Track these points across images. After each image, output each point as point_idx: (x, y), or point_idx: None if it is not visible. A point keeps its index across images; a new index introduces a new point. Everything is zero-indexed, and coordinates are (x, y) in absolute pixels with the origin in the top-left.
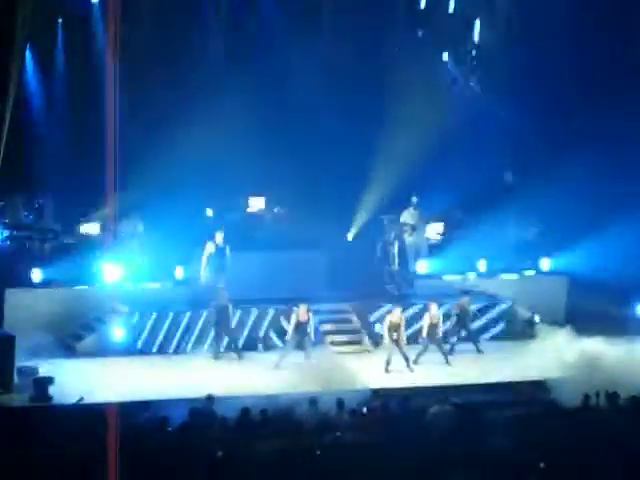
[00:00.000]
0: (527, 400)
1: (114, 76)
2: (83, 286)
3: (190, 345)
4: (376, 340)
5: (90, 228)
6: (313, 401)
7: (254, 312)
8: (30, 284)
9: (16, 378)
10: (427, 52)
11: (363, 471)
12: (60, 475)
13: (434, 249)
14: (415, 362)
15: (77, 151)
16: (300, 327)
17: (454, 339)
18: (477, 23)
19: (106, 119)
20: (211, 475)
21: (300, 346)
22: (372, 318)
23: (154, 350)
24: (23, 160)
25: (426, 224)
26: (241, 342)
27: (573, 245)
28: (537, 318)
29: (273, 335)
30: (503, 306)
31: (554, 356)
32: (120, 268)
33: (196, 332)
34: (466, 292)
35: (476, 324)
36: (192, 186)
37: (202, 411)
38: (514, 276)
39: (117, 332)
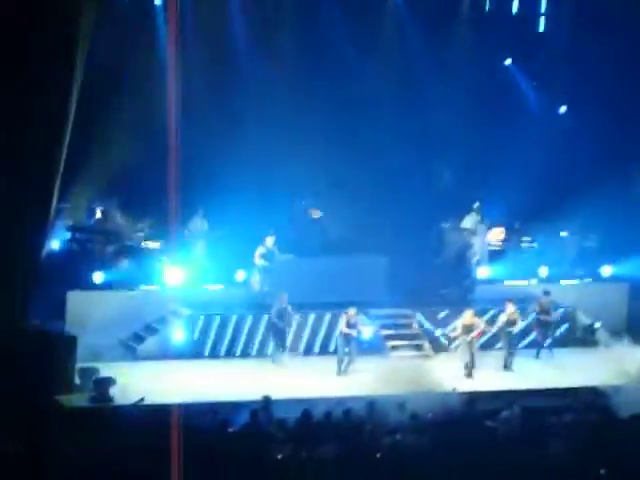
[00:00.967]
0: (587, 406)
1: (175, 80)
2: (144, 288)
3: (254, 349)
4: (436, 345)
5: (154, 231)
6: (371, 404)
7: (311, 316)
8: (92, 286)
9: (77, 379)
10: (488, 56)
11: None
12: (120, 476)
13: (495, 255)
14: (506, 367)
15: (142, 155)
16: (348, 330)
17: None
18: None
19: (168, 123)
20: (272, 477)
21: (349, 351)
22: (433, 323)
23: (214, 353)
24: (87, 163)
25: (487, 230)
26: (302, 346)
27: (635, 252)
28: (598, 325)
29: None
30: (563, 311)
31: (615, 364)
32: (182, 270)
33: (259, 336)
34: (547, 292)
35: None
36: (253, 191)
37: (262, 413)
38: (575, 283)
39: (178, 334)
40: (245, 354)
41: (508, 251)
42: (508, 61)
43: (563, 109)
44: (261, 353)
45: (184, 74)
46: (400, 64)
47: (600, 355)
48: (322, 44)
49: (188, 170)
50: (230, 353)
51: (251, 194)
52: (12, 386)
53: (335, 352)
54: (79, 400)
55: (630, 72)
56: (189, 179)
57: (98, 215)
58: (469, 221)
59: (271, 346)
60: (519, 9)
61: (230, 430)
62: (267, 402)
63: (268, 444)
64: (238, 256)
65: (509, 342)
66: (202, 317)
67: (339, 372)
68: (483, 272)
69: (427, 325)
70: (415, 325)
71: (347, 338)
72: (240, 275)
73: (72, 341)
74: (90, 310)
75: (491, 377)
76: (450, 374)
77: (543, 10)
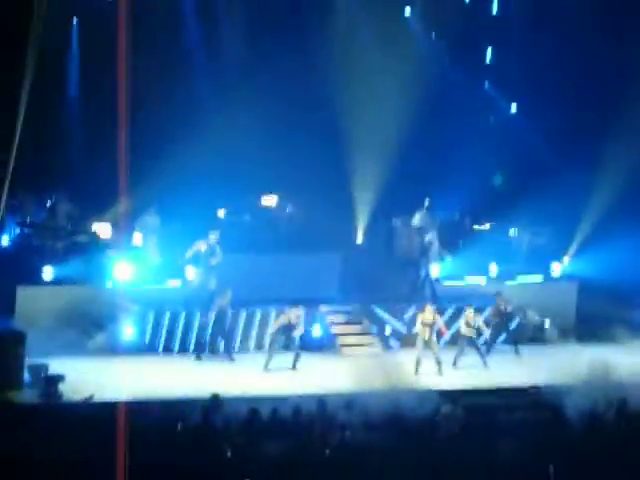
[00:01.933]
0: (537, 405)
1: (126, 72)
2: (94, 284)
3: (204, 346)
4: (386, 343)
5: (102, 227)
6: (322, 402)
7: (258, 313)
8: (42, 282)
9: (26, 375)
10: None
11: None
12: (68, 473)
13: (444, 253)
14: (454, 364)
15: (91, 150)
16: (288, 329)
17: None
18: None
19: (119, 118)
20: (220, 475)
21: (287, 348)
22: (383, 320)
23: (164, 349)
24: (36, 159)
25: (437, 227)
26: (252, 343)
27: (583, 250)
28: (547, 323)
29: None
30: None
31: (564, 362)
32: (132, 266)
33: (208, 333)
34: (498, 293)
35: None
36: (205, 185)
37: (211, 411)
38: (524, 281)
39: (127, 331)
40: (194, 350)
41: (458, 249)
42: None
43: (513, 108)
44: (211, 350)
45: (136, 65)
46: (347, 57)
47: (549, 352)
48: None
49: (140, 165)
50: (179, 350)
51: (204, 190)
52: None
53: (284, 348)
54: (29, 397)
55: (581, 67)
56: (141, 174)
57: (48, 211)
58: (419, 218)
59: (221, 344)
60: None
61: (179, 427)
62: (216, 400)
63: (217, 441)
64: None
65: (472, 343)
66: (151, 313)
67: (266, 368)
68: (434, 270)
69: (380, 320)
70: (366, 322)
71: (285, 334)
72: (190, 272)
73: (21, 337)
74: (40, 306)
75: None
76: (403, 370)
77: None
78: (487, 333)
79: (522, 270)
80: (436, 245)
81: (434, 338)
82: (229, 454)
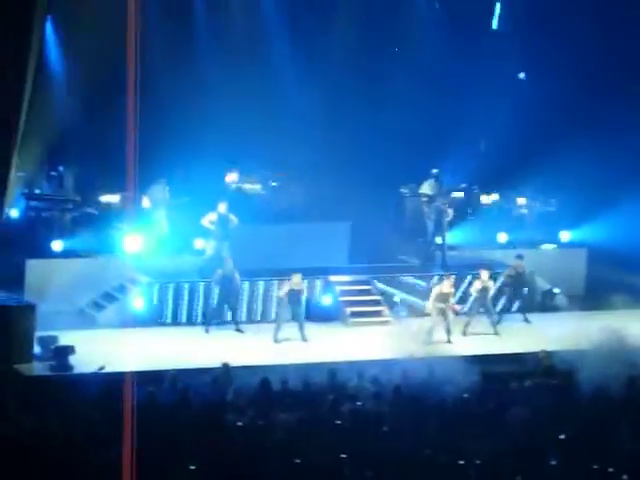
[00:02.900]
0: (546, 371)
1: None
2: (104, 256)
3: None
4: (396, 312)
5: (111, 198)
6: (332, 372)
7: (263, 284)
8: (51, 254)
9: (37, 347)
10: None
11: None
12: (78, 444)
13: (454, 221)
14: (464, 334)
15: (99, 120)
16: (293, 296)
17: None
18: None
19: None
20: (230, 445)
21: (294, 318)
22: (394, 289)
23: (174, 321)
24: (44, 131)
25: (446, 196)
26: (259, 314)
27: (592, 217)
28: (557, 290)
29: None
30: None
31: (574, 328)
32: (141, 238)
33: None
34: (520, 256)
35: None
36: (213, 156)
37: (221, 380)
38: (534, 248)
39: (137, 302)
40: (203, 322)
41: (467, 218)
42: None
43: (522, 75)
44: (218, 321)
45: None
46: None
47: (559, 319)
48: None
49: (149, 138)
50: (189, 321)
51: (213, 163)
52: None
53: (293, 318)
54: (39, 369)
55: (591, 39)
56: (150, 147)
57: (56, 183)
58: (427, 187)
59: (229, 313)
60: None
61: (190, 397)
62: (226, 369)
63: (228, 411)
64: (198, 224)
65: (485, 307)
66: (160, 285)
67: (276, 340)
68: (445, 238)
69: (388, 290)
70: (375, 291)
71: (292, 303)
72: (199, 243)
73: (31, 309)
74: (49, 278)
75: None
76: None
77: None
78: (503, 298)
79: (531, 238)
80: (449, 213)
81: (449, 310)
82: (240, 424)
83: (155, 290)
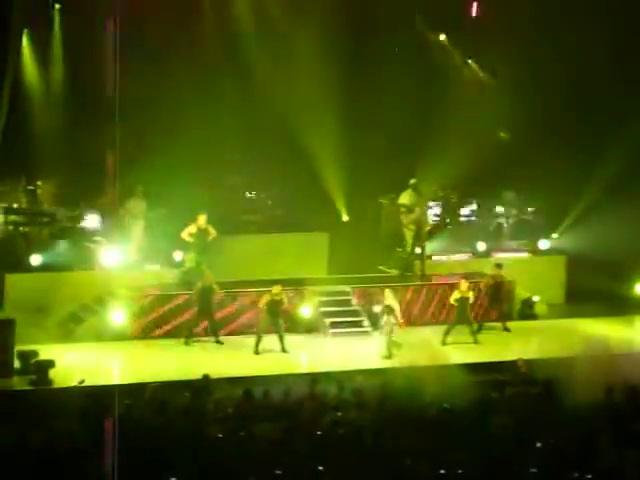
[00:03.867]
0: (526, 380)
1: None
2: (82, 270)
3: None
4: (375, 322)
5: (89, 211)
6: (312, 383)
7: (241, 295)
8: (29, 269)
9: (16, 362)
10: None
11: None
12: (60, 458)
13: (433, 231)
14: (444, 343)
15: (77, 134)
16: (273, 307)
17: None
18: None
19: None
20: (212, 456)
21: (274, 329)
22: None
23: (153, 334)
24: (22, 145)
25: (424, 206)
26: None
27: (571, 224)
28: (536, 298)
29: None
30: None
31: (553, 336)
32: (119, 251)
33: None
34: (499, 265)
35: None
36: (191, 168)
37: (201, 392)
38: (512, 256)
39: (116, 315)
40: (182, 334)
41: (445, 227)
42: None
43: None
44: (198, 333)
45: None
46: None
47: (539, 327)
48: None
49: (126, 149)
50: (169, 333)
51: (190, 173)
52: None
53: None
54: (19, 383)
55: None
56: (127, 158)
57: (34, 197)
58: (406, 197)
59: (208, 326)
60: None
61: (170, 409)
62: (206, 381)
63: (208, 423)
64: (176, 236)
65: (464, 317)
66: (139, 298)
67: (256, 351)
68: (424, 247)
69: (368, 300)
70: (354, 302)
71: (272, 314)
72: (178, 255)
73: (10, 324)
74: (28, 292)
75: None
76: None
77: None
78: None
79: (509, 247)
80: (427, 223)
81: (469, 312)
82: (220, 435)
83: (134, 303)
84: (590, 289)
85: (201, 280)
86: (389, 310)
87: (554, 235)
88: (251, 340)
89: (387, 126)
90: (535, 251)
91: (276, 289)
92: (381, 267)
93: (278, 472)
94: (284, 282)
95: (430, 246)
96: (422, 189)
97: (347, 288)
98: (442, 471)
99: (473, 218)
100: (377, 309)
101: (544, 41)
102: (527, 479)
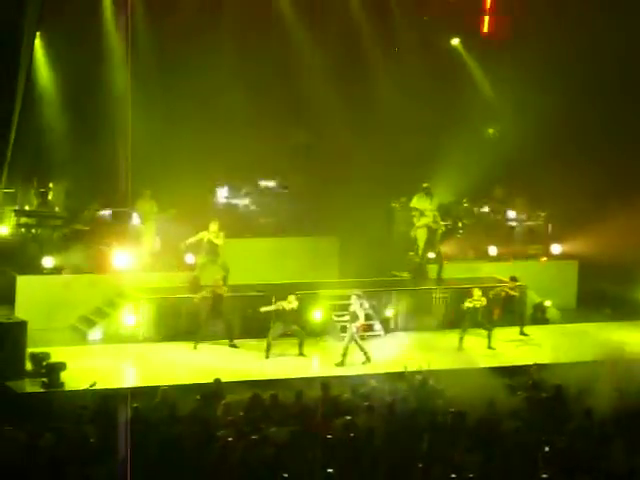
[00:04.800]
0: (538, 384)
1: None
2: (94, 272)
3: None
4: (387, 326)
5: (100, 213)
6: (324, 387)
7: (255, 299)
8: (41, 271)
9: (28, 364)
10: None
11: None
12: (70, 460)
13: (445, 235)
14: (459, 349)
15: (87, 137)
16: (286, 315)
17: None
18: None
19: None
20: (222, 460)
21: (294, 334)
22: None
23: (164, 337)
24: (34, 147)
25: (436, 210)
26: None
27: (583, 229)
28: (548, 303)
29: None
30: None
31: (565, 341)
32: (130, 254)
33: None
34: (514, 278)
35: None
36: (204, 170)
37: (213, 396)
38: (524, 261)
39: (128, 318)
40: (194, 337)
41: (458, 231)
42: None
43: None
44: (212, 336)
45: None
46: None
47: (551, 332)
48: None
49: (136, 152)
50: (180, 336)
51: (200, 175)
52: None
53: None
54: (30, 386)
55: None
56: (137, 161)
57: (45, 199)
58: (418, 201)
59: (220, 329)
60: None
61: (180, 412)
62: (218, 384)
63: (219, 426)
64: (188, 238)
65: (477, 323)
66: (151, 300)
67: (267, 356)
68: (433, 252)
69: (380, 304)
70: (366, 306)
71: (285, 321)
72: (189, 258)
73: (22, 326)
74: (40, 295)
75: (448, 356)
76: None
77: None
78: (496, 311)
79: (522, 251)
80: (440, 227)
81: (482, 318)
82: (230, 439)
83: (145, 306)
84: (602, 294)
85: (212, 283)
86: (353, 317)
87: (566, 240)
88: (264, 344)
89: (400, 129)
90: (547, 256)
91: (290, 298)
92: (393, 272)
93: (286, 475)
94: (295, 286)
95: (442, 250)
96: (434, 193)
97: (359, 292)
98: (453, 475)
99: (485, 222)
100: (388, 313)
101: (561, 48)
102: None
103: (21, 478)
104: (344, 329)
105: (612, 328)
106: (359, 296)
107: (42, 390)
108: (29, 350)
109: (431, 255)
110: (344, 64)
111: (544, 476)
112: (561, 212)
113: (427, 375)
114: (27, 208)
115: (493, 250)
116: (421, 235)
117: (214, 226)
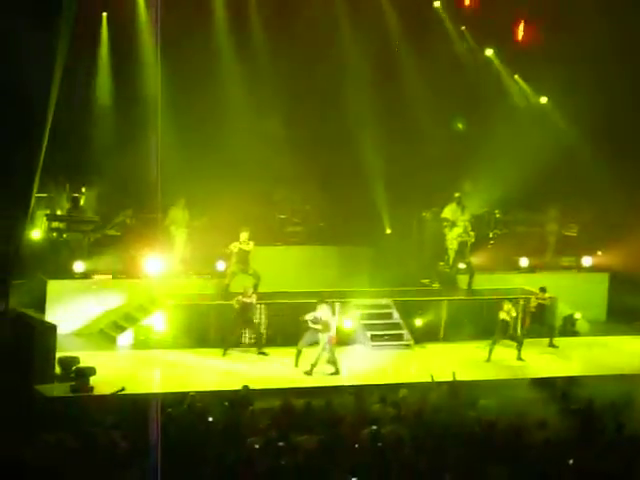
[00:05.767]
0: (567, 396)
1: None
2: (124, 277)
3: (235, 339)
4: (416, 336)
5: (132, 219)
6: (353, 395)
7: (287, 307)
8: (72, 275)
9: (57, 368)
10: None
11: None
12: (98, 465)
13: (476, 246)
14: (488, 360)
15: (122, 142)
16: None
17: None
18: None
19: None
20: (249, 466)
21: (316, 342)
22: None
23: (194, 343)
24: (67, 152)
25: (468, 220)
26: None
27: (615, 241)
28: (578, 315)
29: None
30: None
31: (596, 353)
32: (161, 260)
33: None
34: (543, 289)
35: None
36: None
37: (241, 403)
38: (555, 273)
39: (158, 324)
40: (224, 344)
41: (489, 242)
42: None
43: (544, 100)
44: (242, 343)
45: (165, 63)
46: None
47: (581, 344)
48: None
49: (169, 159)
50: (209, 343)
51: (232, 184)
52: None
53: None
54: (60, 390)
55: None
56: (170, 168)
57: (77, 204)
58: (449, 211)
59: (248, 336)
60: None
61: (210, 419)
62: (246, 391)
63: (247, 433)
64: (219, 246)
65: (508, 335)
66: (181, 307)
67: (296, 364)
68: (463, 263)
69: (410, 314)
70: (396, 315)
71: (315, 330)
72: (220, 265)
73: (52, 330)
74: (70, 299)
75: (477, 367)
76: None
77: None
78: (526, 323)
79: (552, 263)
80: (471, 237)
81: (512, 330)
82: (257, 446)
83: (175, 312)
84: (632, 307)
85: (243, 290)
86: (324, 326)
87: (598, 252)
88: (293, 351)
89: (432, 139)
90: (578, 268)
91: (321, 306)
92: (424, 281)
93: None
94: (326, 294)
95: (473, 261)
96: (466, 203)
97: (389, 301)
98: None
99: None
100: (418, 323)
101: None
102: None
103: None
104: (373, 337)
105: None
106: (329, 304)
107: (71, 394)
108: (59, 354)
109: (462, 265)
110: (378, 75)
111: None
112: (594, 224)
113: (456, 386)
114: (59, 213)
115: (524, 261)
116: (452, 245)
117: (244, 235)
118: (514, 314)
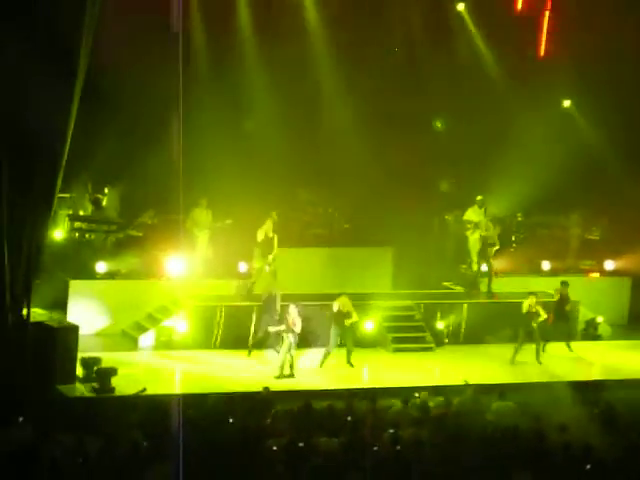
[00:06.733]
0: (588, 399)
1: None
2: (146, 278)
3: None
4: (439, 339)
5: (154, 220)
6: (373, 398)
7: (314, 308)
8: (94, 276)
9: (79, 369)
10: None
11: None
12: (119, 465)
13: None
14: (512, 362)
15: (144, 144)
16: (341, 318)
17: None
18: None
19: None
20: (269, 467)
21: (342, 341)
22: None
23: (216, 344)
24: (89, 152)
25: (490, 223)
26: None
27: (637, 245)
28: (600, 319)
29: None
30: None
31: (618, 357)
32: (184, 261)
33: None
34: (565, 283)
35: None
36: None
37: (262, 405)
38: (577, 277)
39: (179, 325)
40: (247, 345)
41: (511, 245)
42: None
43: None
44: (263, 344)
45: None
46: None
47: (603, 348)
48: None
49: (192, 160)
50: (231, 344)
51: (255, 185)
52: (14, 376)
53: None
54: (81, 390)
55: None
56: (193, 169)
57: (100, 205)
58: (472, 214)
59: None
60: None
61: (230, 420)
62: (267, 393)
63: (268, 435)
64: (241, 247)
65: (532, 337)
66: (203, 308)
67: (321, 365)
68: (485, 265)
69: (431, 316)
70: (417, 317)
71: (340, 325)
72: (242, 266)
73: (74, 331)
74: (92, 299)
75: (501, 369)
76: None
77: None
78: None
79: (574, 266)
80: (493, 240)
81: (537, 332)
82: (275, 448)
83: (197, 313)
84: None
85: (266, 292)
86: (289, 327)
87: (618, 256)
88: (315, 352)
89: (455, 143)
90: (600, 272)
91: (343, 299)
92: (446, 283)
93: None
94: (348, 296)
95: (495, 264)
96: (488, 206)
97: (411, 303)
98: None
99: (538, 236)
100: (440, 325)
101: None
102: None
103: None
104: (395, 340)
105: None
106: (297, 306)
107: (93, 395)
108: (80, 355)
109: (483, 268)
110: (399, 81)
111: None
112: (616, 228)
113: (478, 389)
114: (81, 213)
115: (546, 265)
116: (474, 248)
117: (269, 223)
118: (543, 315)
